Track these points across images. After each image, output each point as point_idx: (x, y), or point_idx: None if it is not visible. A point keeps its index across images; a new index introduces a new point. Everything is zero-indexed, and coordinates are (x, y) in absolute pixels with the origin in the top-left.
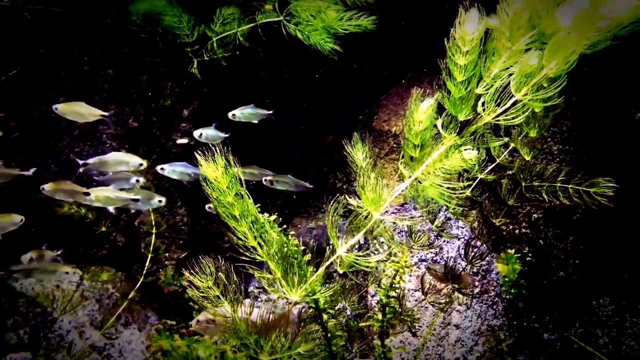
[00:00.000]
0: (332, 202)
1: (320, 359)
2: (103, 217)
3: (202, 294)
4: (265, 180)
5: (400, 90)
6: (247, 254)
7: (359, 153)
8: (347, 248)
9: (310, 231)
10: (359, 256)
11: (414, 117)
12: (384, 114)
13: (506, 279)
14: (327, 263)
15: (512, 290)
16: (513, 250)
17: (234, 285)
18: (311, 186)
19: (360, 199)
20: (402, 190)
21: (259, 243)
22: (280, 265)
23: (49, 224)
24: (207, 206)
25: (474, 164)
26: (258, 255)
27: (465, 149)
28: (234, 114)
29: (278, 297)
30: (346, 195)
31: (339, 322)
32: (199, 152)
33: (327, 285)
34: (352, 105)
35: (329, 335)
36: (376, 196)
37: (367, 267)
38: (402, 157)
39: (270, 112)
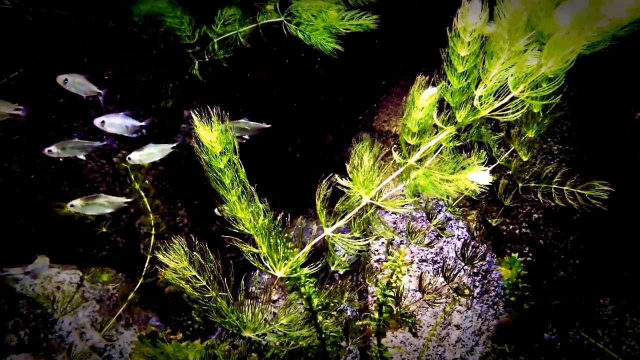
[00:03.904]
0: (323, 179)
1: (314, 356)
2: (103, 218)
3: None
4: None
5: (400, 90)
6: (234, 224)
7: (364, 153)
8: (334, 229)
9: (311, 232)
10: (345, 237)
11: (415, 104)
12: (384, 114)
13: (509, 282)
14: (315, 241)
15: (515, 293)
16: (517, 254)
17: (210, 263)
18: (268, 125)
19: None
20: (396, 178)
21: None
22: (267, 241)
23: (49, 224)
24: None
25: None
26: (245, 228)
27: (482, 170)
28: (65, 79)
29: (279, 298)
30: (337, 176)
31: (337, 322)
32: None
33: (325, 287)
34: (352, 105)
35: (323, 335)
36: (367, 178)
37: (356, 250)
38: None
39: (102, 91)
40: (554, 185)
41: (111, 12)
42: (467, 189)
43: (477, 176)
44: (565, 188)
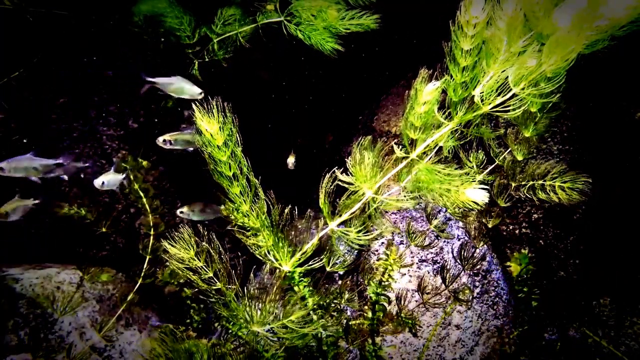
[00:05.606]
0: (325, 173)
1: (311, 356)
2: (103, 218)
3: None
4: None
5: (400, 90)
6: (238, 217)
7: (367, 148)
8: (338, 223)
9: (313, 233)
10: (349, 231)
11: (418, 98)
12: (384, 115)
13: (519, 278)
14: (321, 234)
15: (524, 289)
16: (526, 251)
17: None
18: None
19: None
20: (396, 175)
21: (251, 208)
22: (273, 235)
23: (49, 224)
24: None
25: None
26: (248, 219)
27: (478, 187)
28: (1, 168)
29: (279, 299)
30: (337, 170)
31: (337, 322)
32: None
33: (325, 287)
34: (352, 105)
35: (319, 335)
36: (369, 172)
37: (358, 245)
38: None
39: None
40: (538, 181)
41: (111, 12)
42: (463, 202)
43: (475, 193)
44: (547, 183)
